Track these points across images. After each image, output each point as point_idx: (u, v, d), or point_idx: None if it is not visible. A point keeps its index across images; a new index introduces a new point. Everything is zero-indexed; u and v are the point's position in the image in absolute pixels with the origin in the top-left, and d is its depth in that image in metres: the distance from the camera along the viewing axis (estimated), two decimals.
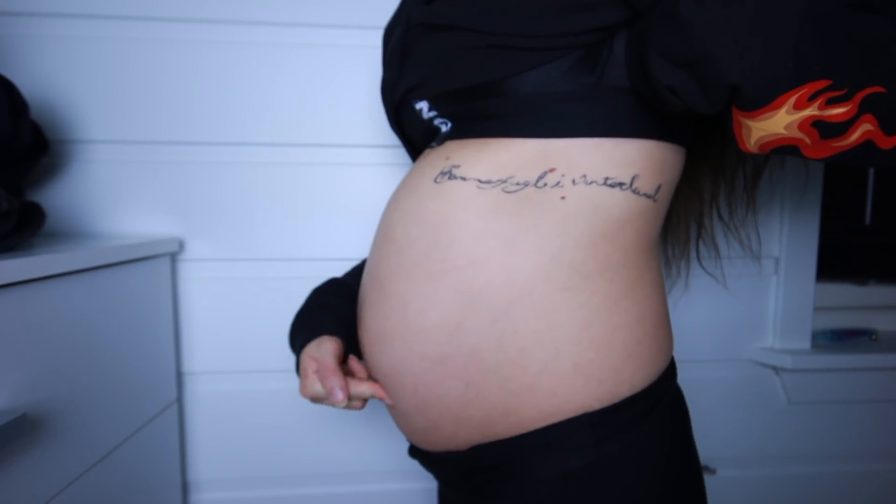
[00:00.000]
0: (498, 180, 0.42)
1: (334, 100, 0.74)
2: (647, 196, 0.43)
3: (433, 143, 0.50)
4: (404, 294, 0.44)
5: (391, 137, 0.75)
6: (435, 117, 0.48)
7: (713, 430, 0.84)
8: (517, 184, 0.42)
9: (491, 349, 0.40)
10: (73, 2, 0.69)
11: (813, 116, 0.34)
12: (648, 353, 0.43)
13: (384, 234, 0.48)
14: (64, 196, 0.72)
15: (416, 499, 0.81)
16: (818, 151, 0.36)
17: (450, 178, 0.44)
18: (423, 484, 0.81)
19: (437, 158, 0.46)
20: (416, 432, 0.47)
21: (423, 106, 0.49)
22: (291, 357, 0.77)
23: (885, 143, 0.35)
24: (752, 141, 0.37)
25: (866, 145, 0.35)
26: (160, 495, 0.69)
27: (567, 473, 0.40)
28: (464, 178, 0.43)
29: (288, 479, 0.79)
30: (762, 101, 0.34)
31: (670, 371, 0.46)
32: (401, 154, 0.76)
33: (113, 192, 0.73)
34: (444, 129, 0.48)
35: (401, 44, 0.51)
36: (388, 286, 0.45)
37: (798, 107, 0.34)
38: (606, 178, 0.41)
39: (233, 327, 0.76)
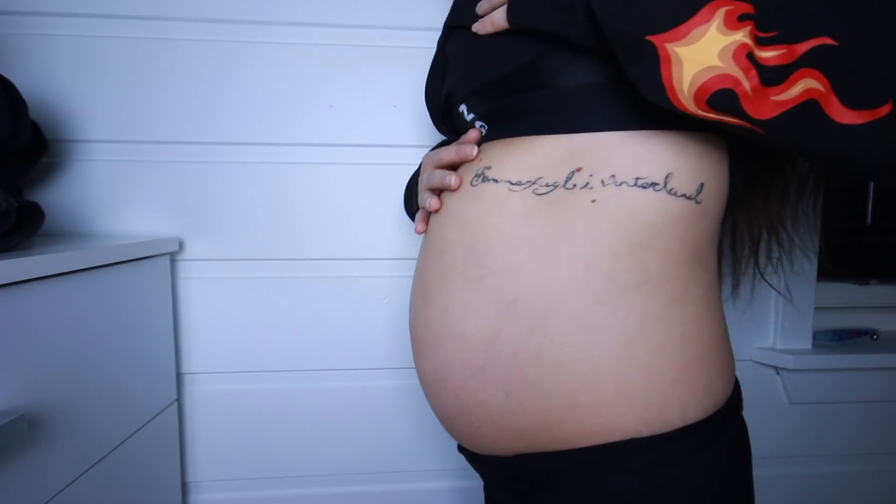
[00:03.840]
0: (528, 181, 0.41)
1: (333, 99, 0.74)
2: (687, 197, 0.39)
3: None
4: (445, 299, 0.43)
5: (389, 137, 0.75)
6: (474, 120, 0.49)
7: None
8: (547, 185, 0.40)
9: (530, 360, 0.39)
10: (72, 1, 0.69)
11: (746, 45, 0.31)
12: (699, 380, 0.38)
13: (429, 237, 0.48)
14: (63, 196, 0.72)
15: (416, 499, 0.81)
16: (758, 106, 0.32)
17: (483, 181, 0.43)
18: (423, 484, 0.81)
19: (475, 161, 0.46)
20: (460, 435, 0.46)
21: (463, 109, 0.50)
22: (291, 357, 0.77)
23: (841, 114, 0.31)
24: (686, 86, 0.33)
25: (812, 107, 0.31)
26: (160, 496, 0.69)
27: (614, 494, 0.38)
28: (496, 181, 0.42)
29: (287, 479, 0.78)
30: (686, 10, 0.32)
31: (732, 402, 0.42)
32: (400, 154, 0.76)
33: (112, 192, 0.72)
34: (484, 132, 0.48)
35: (442, 51, 0.53)
36: (431, 291, 0.45)
37: (729, 24, 0.31)
38: (637, 178, 0.38)
39: (232, 327, 0.75)
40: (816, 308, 0.84)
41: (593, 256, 0.38)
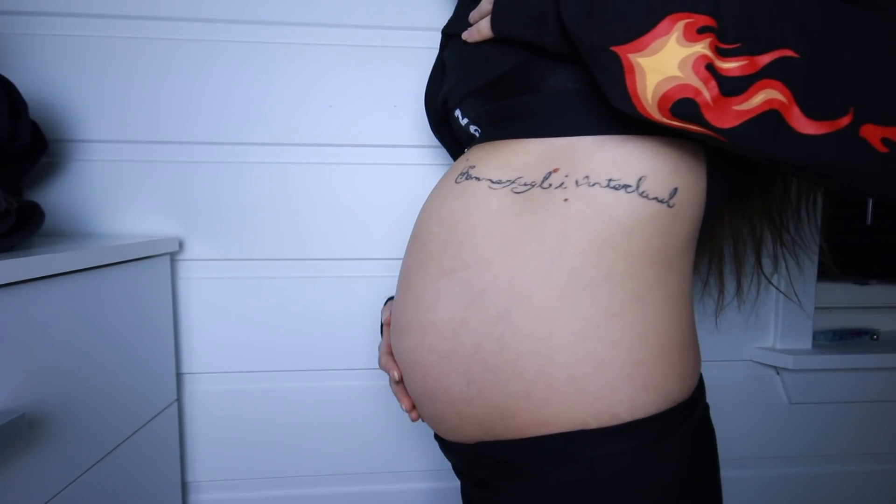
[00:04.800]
0: (508, 181, 0.43)
1: (333, 99, 0.74)
2: (659, 200, 0.40)
3: (465, 149, 0.52)
4: (420, 289, 0.45)
5: (389, 137, 0.75)
6: (468, 124, 0.51)
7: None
8: (525, 184, 0.42)
9: (491, 349, 0.40)
10: (72, 1, 0.69)
11: (706, 56, 0.32)
12: (652, 377, 0.39)
13: (414, 232, 0.50)
14: (63, 196, 0.72)
15: (415, 499, 0.81)
16: (719, 115, 0.33)
17: (467, 179, 0.45)
18: (422, 484, 0.81)
19: (461, 160, 0.48)
20: (428, 419, 0.48)
21: (458, 113, 0.52)
22: (291, 357, 0.77)
23: (803, 124, 0.32)
24: (650, 94, 0.34)
25: (774, 117, 0.32)
26: (159, 496, 0.69)
27: (563, 484, 0.39)
28: (478, 179, 0.44)
29: (287, 479, 0.78)
30: (647, 23, 0.33)
31: (690, 403, 0.41)
32: (400, 154, 0.76)
33: (112, 192, 0.72)
34: (477, 136, 0.51)
35: (441, 57, 0.56)
36: (410, 281, 0.47)
37: (688, 37, 0.33)
38: (610, 180, 0.40)
39: (232, 327, 0.75)
40: (816, 308, 0.84)
41: (559, 252, 0.39)
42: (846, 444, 0.86)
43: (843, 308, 0.92)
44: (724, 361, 0.84)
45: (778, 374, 0.84)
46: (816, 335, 0.85)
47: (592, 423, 0.38)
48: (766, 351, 0.82)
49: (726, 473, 0.83)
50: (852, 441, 0.86)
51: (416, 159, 0.76)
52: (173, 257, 0.74)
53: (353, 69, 0.74)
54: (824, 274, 0.85)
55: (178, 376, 0.75)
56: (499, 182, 0.43)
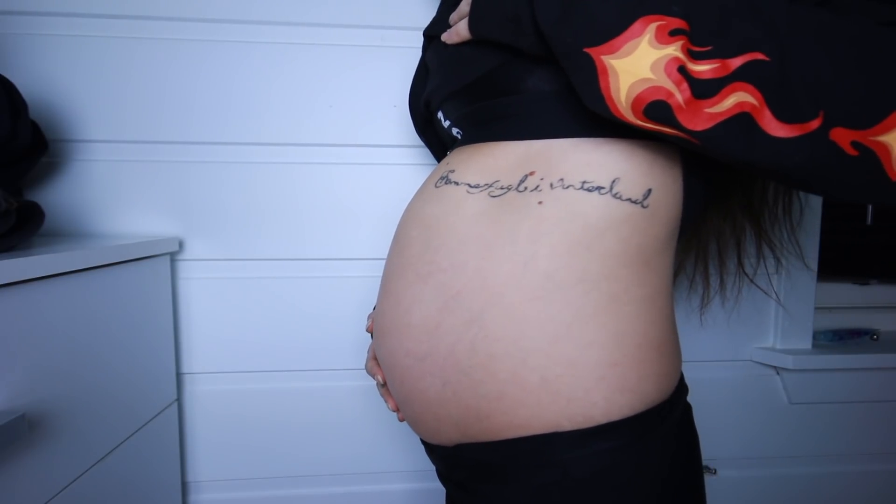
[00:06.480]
0: (485, 184, 0.43)
1: (334, 99, 0.74)
2: (633, 201, 0.40)
3: (448, 152, 0.53)
4: (398, 293, 0.45)
5: (388, 137, 0.75)
6: (450, 126, 0.51)
7: (713, 430, 0.84)
8: (501, 188, 0.42)
9: (465, 351, 0.40)
10: (72, 1, 0.69)
11: (678, 59, 0.32)
12: (627, 378, 0.38)
13: (395, 235, 0.50)
14: (63, 196, 0.72)
15: (414, 499, 0.81)
16: (692, 117, 0.33)
17: (446, 183, 0.46)
18: (422, 484, 0.81)
19: (442, 164, 0.49)
20: (409, 421, 0.49)
21: (440, 115, 0.52)
22: (291, 357, 0.77)
23: (774, 127, 0.32)
24: (624, 96, 0.34)
25: (745, 120, 0.32)
26: (159, 496, 0.69)
27: (538, 487, 0.39)
28: (456, 183, 0.45)
29: (287, 479, 0.78)
30: (618, 25, 0.34)
31: (668, 404, 0.41)
32: (399, 154, 0.76)
33: (112, 192, 0.72)
34: (459, 137, 0.51)
35: (423, 59, 0.56)
36: (389, 284, 0.47)
37: (661, 39, 0.33)
38: (584, 182, 0.40)
39: (232, 327, 0.75)
40: (816, 308, 0.84)
41: (533, 254, 0.39)
42: (846, 444, 0.86)
43: (843, 308, 0.92)
44: (724, 361, 0.84)
45: (778, 373, 0.84)
46: (816, 335, 0.85)
47: (566, 425, 0.38)
48: (766, 351, 0.82)
49: (726, 473, 0.84)
50: (852, 441, 0.86)
51: (416, 159, 0.76)
52: (173, 257, 0.74)
53: (353, 69, 0.74)
54: (824, 274, 0.85)
55: (179, 376, 0.75)
56: (476, 186, 0.43)
